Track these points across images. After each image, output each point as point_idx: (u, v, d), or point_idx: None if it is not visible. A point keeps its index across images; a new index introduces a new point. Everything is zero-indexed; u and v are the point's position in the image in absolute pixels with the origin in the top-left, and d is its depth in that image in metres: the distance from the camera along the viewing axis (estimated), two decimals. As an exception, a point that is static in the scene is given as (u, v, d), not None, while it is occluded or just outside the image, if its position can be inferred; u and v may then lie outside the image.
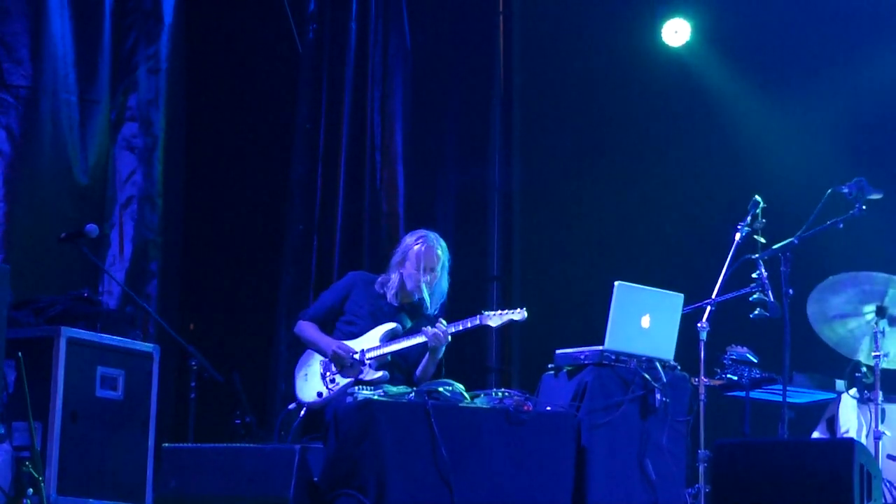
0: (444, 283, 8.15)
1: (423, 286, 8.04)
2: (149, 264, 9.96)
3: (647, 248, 10.66)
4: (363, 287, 8.18)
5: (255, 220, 10.64)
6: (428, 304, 8.10)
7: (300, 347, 8.29)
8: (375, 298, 8.13)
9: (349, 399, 7.30)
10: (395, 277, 8.12)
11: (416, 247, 8.10)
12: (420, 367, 8.09)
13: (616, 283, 7.68)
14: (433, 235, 8.19)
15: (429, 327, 7.94)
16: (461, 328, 7.93)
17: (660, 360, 7.72)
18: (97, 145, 9.75)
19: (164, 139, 10.13)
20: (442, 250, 8.12)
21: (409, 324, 8.10)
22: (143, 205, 10.00)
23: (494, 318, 7.88)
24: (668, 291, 7.86)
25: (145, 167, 10.03)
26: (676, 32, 10.96)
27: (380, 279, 8.19)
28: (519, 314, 7.92)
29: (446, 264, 8.15)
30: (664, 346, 7.76)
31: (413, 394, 7.36)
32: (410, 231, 8.36)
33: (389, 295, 8.11)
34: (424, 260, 8.06)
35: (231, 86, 10.70)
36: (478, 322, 7.89)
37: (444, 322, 7.95)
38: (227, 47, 10.70)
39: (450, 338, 7.96)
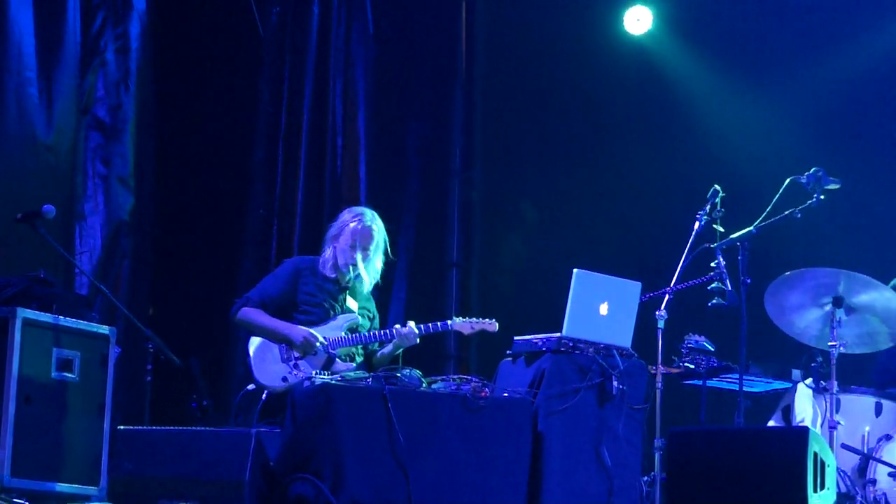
0: (379, 264, 8.10)
1: (352, 266, 8.01)
2: (121, 245, 9.92)
3: (606, 236, 10.69)
4: (309, 275, 8.09)
5: (218, 203, 10.60)
6: (353, 282, 8.04)
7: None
8: (323, 282, 8.07)
9: (306, 383, 7.27)
10: (329, 252, 8.07)
11: (352, 224, 8.05)
12: (379, 353, 8.09)
13: (575, 270, 7.69)
14: (370, 214, 8.13)
15: (398, 326, 7.92)
16: (431, 331, 7.93)
17: (617, 348, 7.74)
18: (66, 125, 9.66)
19: (135, 119, 10.06)
20: (378, 230, 8.07)
21: (357, 303, 8.05)
22: (115, 185, 9.95)
23: (465, 326, 7.91)
24: (626, 279, 7.87)
25: (116, 147, 9.97)
26: (639, 20, 10.98)
27: (320, 260, 8.12)
28: (491, 325, 7.95)
29: (381, 244, 8.09)
30: (622, 334, 7.77)
31: (371, 379, 7.34)
32: (349, 208, 8.32)
33: (328, 273, 8.06)
34: (359, 238, 8.01)
35: (197, 67, 10.63)
36: (449, 327, 7.90)
37: (414, 324, 7.92)
38: (193, 27, 10.62)
39: (418, 340, 7.95)
